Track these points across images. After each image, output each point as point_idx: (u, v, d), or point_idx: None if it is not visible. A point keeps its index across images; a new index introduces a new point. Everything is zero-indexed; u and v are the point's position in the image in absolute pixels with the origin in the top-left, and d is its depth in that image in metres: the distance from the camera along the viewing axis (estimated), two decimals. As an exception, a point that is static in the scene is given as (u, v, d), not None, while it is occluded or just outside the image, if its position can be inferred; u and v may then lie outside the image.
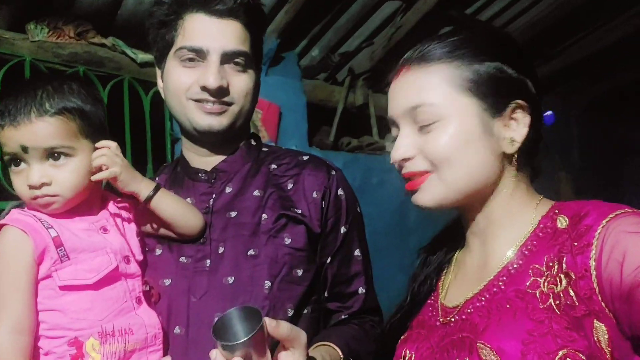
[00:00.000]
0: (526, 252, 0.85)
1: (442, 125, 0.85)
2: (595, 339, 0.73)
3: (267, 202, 1.11)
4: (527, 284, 0.80)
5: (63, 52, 2.31)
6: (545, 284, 0.79)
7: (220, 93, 1.09)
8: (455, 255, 1.01)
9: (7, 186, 1.93)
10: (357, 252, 1.17)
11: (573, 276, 0.76)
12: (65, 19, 2.31)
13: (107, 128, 1.04)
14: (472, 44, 0.88)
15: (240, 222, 1.10)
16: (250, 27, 1.13)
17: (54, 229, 0.95)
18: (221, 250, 1.08)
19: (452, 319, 0.88)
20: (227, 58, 1.09)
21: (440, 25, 3.11)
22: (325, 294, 1.16)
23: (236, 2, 1.09)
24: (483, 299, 0.85)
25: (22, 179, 0.96)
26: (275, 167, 1.17)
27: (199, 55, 1.08)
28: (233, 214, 1.11)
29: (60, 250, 0.94)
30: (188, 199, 1.13)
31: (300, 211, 1.11)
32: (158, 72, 1.19)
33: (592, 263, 0.74)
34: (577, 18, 3.23)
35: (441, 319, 0.91)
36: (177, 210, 1.07)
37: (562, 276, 0.77)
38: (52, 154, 0.95)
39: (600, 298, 0.73)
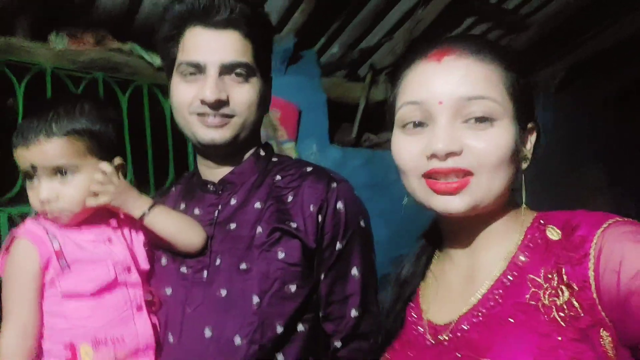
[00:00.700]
0: (519, 264, 0.82)
1: (498, 127, 0.80)
2: (603, 348, 0.72)
3: (264, 215, 1.10)
4: (527, 296, 0.78)
5: (80, 59, 2.32)
6: (546, 296, 0.77)
7: (219, 106, 1.08)
8: (431, 267, 0.97)
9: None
10: (354, 271, 1.10)
11: (575, 287, 0.75)
12: (84, 27, 2.33)
13: (118, 145, 1.09)
14: (510, 53, 0.87)
15: (237, 235, 1.09)
16: (252, 37, 1.11)
17: (57, 241, 1.02)
18: (218, 262, 1.08)
19: (446, 337, 0.84)
20: (227, 70, 1.08)
21: (462, 17, 3.04)
22: (320, 314, 1.11)
23: (234, 13, 1.08)
24: (480, 314, 0.82)
25: (34, 194, 1.03)
26: (280, 178, 1.15)
27: (198, 69, 1.08)
28: (233, 226, 1.11)
29: (61, 262, 1.01)
30: (196, 210, 1.14)
31: (295, 225, 1.08)
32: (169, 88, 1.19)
33: (591, 274, 0.74)
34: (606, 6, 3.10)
35: (431, 338, 0.87)
36: (175, 227, 1.09)
37: (563, 287, 0.76)
38: (60, 171, 1.01)
39: (600, 308, 0.73)
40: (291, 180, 1.14)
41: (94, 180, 1.02)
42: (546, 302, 0.77)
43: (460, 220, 0.87)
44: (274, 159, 1.22)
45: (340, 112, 3.06)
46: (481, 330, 0.80)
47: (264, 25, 1.17)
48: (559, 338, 0.72)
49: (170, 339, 1.06)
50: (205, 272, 1.08)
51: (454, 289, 0.90)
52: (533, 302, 0.77)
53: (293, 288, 1.06)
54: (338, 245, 1.09)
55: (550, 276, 0.78)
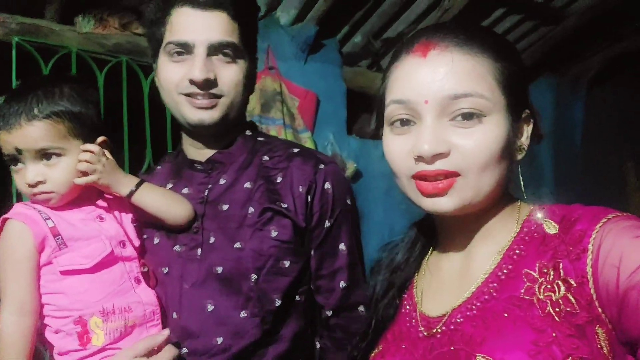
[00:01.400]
0: (514, 257, 0.81)
1: (488, 123, 0.78)
2: (598, 345, 0.71)
3: (255, 195, 1.13)
4: (522, 290, 0.77)
5: (107, 43, 2.41)
6: (541, 290, 0.76)
7: (208, 85, 1.10)
8: (426, 259, 0.97)
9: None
10: (342, 247, 1.15)
11: (573, 283, 0.74)
12: (110, 10, 2.40)
13: (99, 125, 1.10)
14: (500, 41, 0.85)
15: (229, 214, 1.13)
16: (239, 18, 1.13)
17: (51, 220, 1.03)
18: (212, 240, 1.12)
19: (439, 330, 0.84)
20: (214, 50, 1.10)
21: (492, 8, 2.96)
22: (312, 287, 1.16)
23: None
24: (473, 307, 0.81)
25: (20, 178, 1.05)
26: (268, 159, 1.19)
27: (185, 49, 1.10)
28: (225, 206, 1.13)
29: (57, 239, 1.02)
30: (186, 189, 1.17)
31: (286, 205, 1.12)
32: (154, 69, 1.22)
33: (589, 269, 0.73)
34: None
35: (424, 330, 0.86)
36: (162, 202, 1.12)
37: (559, 282, 0.75)
38: (45, 155, 1.03)
39: (597, 304, 0.72)
40: (279, 161, 1.17)
41: (81, 160, 1.04)
42: (541, 296, 0.75)
43: (454, 216, 0.85)
44: (260, 139, 1.24)
45: (362, 103, 3.05)
46: (475, 324, 0.79)
47: (250, 6, 1.20)
48: (554, 334, 0.71)
49: (173, 315, 1.10)
50: (199, 250, 1.11)
51: (448, 281, 0.89)
52: (528, 297, 0.76)
53: (287, 263, 1.11)
54: (327, 224, 1.14)
55: (545, 270, 0.77)
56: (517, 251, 0.82)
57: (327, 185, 1.14)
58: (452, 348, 0.80)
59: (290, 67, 2.72)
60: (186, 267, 1.11)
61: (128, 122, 2.42)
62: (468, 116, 0.78)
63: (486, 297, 0.81)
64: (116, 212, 1.12)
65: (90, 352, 1.01)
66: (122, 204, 1.13)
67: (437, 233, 0.95)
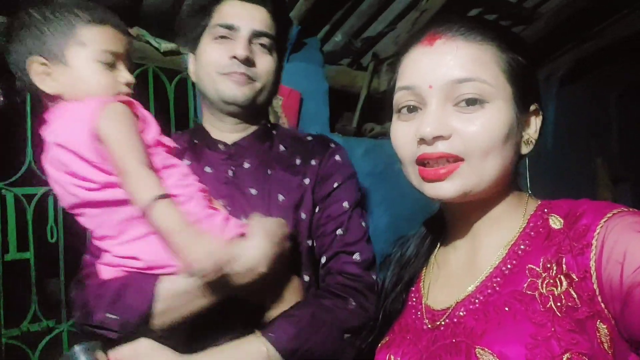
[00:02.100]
0: (519, 252, 0.83)
1: (490, 109, 0.80)
2: (598, 340, 0.72)
3: (281, 182, 1.23)
4: (525, 285, 0.79)
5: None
6: (544, 285, 0.77)
7: (247, 63, 1.21)
8: (435, 254, 0.99)
9: (38, 172, 2.04)
10: (345, 204, 1.25)
11: (575, 277, 0.75)
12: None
13: None
14: (509, 35, 0.87)
15: (258, 199, 1.21)
16: (276, 16, 1.27)
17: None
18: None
19: (442, 323, 0.85)
20: (255, 36, 1.23)
21: (468, 8, 3.03)
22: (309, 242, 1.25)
23: None
24: (476, 300, 0.83)
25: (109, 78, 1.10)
26: (284, 148, 1.30)
27: (230, 31, 1.23)
28: (253, 190, 1.22)
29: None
30: (207, 168, 1.24)
31: (307, 181, 1.25)
32: (191, 57, 1.30)
33: (592, 264, 0.74)
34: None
35: (428, 323, 0.88)
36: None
37: (562, 277, 0.76)
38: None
39: (600, 299, 0.73)
40: (296, 147, 1.31)
41: None
42: (543, 291, 0.76)
43: (461, 207, 0.88)
44: (274, 131, 1.36)
45: (343, 101, 3.09)
46: (477, 317, 0.80)
47: (284, 8, 1.35)
48: (553, 328, 0.72)
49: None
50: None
51: (454, 275, 0.91)
52: (530, 292, 0.77)
53: (310, 242, 1.24)
54: (335, 184, 1.26)
55: (549, 265, 0.78)
56: (522, 246, 0.83)
57: (337, 157, 1.29)
58: (454, 340, 0.81)
59: (274, 66, 2.73)
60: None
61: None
62: (471, 102, 0.80)
63: (489, 291, 0.82)
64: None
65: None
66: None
67: (446, 228, 0.96)
